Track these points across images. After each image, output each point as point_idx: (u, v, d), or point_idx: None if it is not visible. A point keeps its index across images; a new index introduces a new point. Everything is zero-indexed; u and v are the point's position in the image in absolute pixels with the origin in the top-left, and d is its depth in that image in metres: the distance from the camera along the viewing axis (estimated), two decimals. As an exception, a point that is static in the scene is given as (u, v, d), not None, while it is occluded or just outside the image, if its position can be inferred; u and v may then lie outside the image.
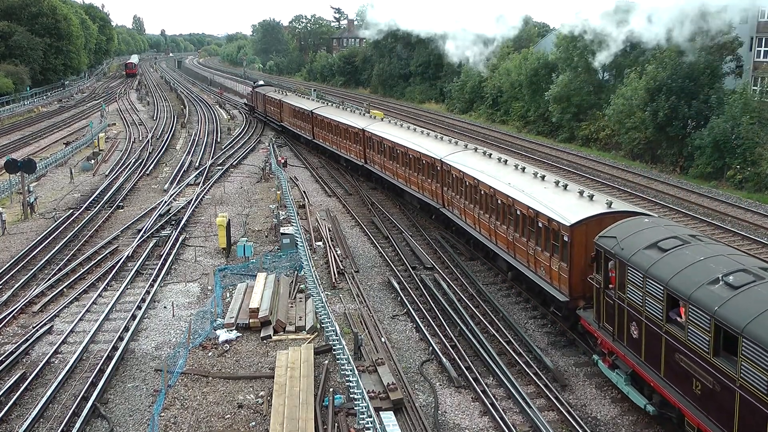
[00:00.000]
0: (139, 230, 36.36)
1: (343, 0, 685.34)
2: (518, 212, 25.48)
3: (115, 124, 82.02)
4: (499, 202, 26.90)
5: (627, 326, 17.90)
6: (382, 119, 49.26)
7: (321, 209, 40.60)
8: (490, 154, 32.36)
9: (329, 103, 65.99)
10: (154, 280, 29.14)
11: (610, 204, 22.35)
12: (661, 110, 48.74)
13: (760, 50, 52.28)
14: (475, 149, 34.03)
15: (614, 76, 62.83)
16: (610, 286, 18.75)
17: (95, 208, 41.57)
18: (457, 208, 32.14)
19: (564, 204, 23.43)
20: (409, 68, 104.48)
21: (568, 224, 21.63)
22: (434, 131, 45.24)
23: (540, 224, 23.66)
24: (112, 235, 35.73)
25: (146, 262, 31.62)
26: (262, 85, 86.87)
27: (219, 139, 68.84)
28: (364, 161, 46.29)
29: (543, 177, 27.06)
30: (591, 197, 23.34)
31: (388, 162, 41.42)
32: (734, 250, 17.62)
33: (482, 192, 28.72)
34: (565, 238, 21.76)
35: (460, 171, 31.17)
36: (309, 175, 51.48)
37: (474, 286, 27.97)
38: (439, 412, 19.12)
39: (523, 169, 28.71)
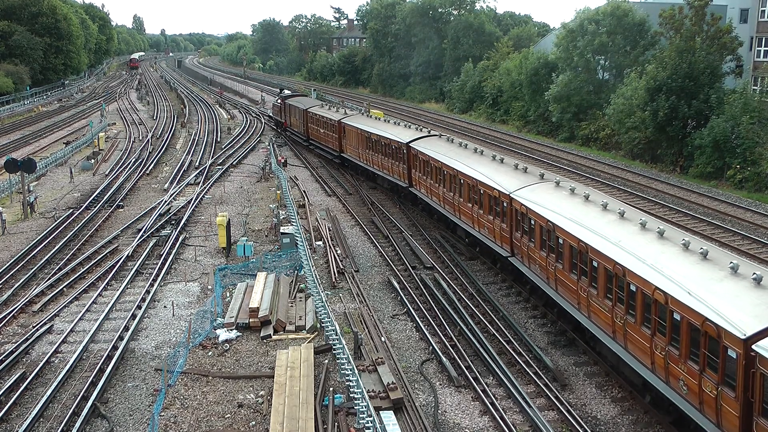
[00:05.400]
0: (139, 230, 36.35)
1: (343, 0, 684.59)
2: None
3: (115, 123, 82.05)
4: None
5: None
6: (499, 158, 31.27)
7: (321, 209, 40.59)
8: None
9: (432, 133, 40.17)
10: (154, 280, 29.14)
11: None
12: (661, 110, 48.73)
13: (760, 50, 52.26)
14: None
15: (614, 76, 62.87)
16: None
17: (95, 207, 41.54)
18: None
19: None
20: (409, 68, 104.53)
21: None
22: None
23: None
24: (112, 234, 35.73)
25: (146, 262, 31.62)
26: (293, 96, 72.04)
27: (219, 139, 68.87)
28: (510, 251, 26.98)
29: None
30: None
31: (541, 258, 23.82)
32: None
33: None
34: None
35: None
36: (309, 175, 51.47)
37: (474, 285, 27.97)
38: (439, 411, 19.12)
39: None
